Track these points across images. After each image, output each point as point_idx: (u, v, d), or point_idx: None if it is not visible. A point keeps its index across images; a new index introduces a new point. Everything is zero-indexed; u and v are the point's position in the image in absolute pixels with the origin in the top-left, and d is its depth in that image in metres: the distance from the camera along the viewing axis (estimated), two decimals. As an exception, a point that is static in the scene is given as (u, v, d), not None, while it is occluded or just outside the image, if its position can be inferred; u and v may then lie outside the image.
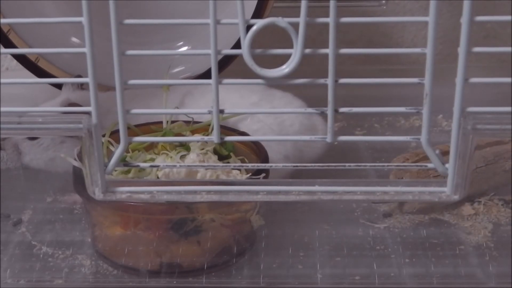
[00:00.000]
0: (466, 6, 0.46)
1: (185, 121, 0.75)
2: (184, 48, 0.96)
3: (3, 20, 0.51)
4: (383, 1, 1.04)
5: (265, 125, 0.78)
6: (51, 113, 0.55)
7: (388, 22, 0.55)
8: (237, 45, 0.78)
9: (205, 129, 0.74)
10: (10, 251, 0.71)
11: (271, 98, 0.81)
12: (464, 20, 0.46)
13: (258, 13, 0.81)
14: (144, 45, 0.94)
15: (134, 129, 0.72)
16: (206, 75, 0.87)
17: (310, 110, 0.51)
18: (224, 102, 0.56)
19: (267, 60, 0.48)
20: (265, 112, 0.79)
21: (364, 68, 1.11)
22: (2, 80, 0.58)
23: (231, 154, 0.72)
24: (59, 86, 0.86)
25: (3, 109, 0.52)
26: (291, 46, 0.48)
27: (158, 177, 0.67)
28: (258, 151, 0.72)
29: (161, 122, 0.75)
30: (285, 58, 0.49)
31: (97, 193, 0.54)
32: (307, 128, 0.80)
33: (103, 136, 0.67)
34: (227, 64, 0.81)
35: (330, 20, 0.47)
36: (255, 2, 0.81)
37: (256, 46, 0.48)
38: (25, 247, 0.71)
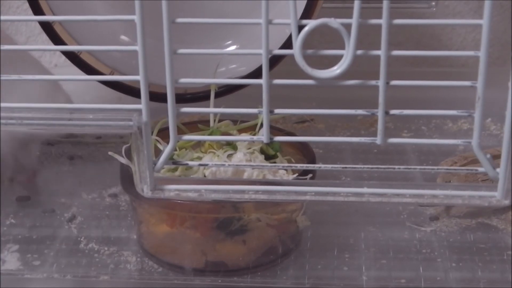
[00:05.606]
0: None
1: (232, 120, 0.75)
2: (233, 47, 0.96)
3: (57, 17, 0.52)
4: (433, 3, 1.03)
5: None
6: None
7: (441, 24, 0.55)
8: (285, 45, 0.78)
9: (251, 128, 0.74)
10: (57, 246, 0.71)
11: None
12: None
13: (307, 14, 0.81)
14: (190, 44, 0.94)
15: (182, 128, 0.72)
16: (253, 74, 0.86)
17: (360, 111, 0.51)
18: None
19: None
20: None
21: (411, 70, 1.10)
22: (54, 77, 0.59)
23: (278, 154, 0.72)
24: (105, 82, 0.87)
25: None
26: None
27: (204, 176, 0.67)
28: (305, 151, 0.72)
29: (204, 121, 0.75)
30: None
31: (146, 191, 0.54)
32: None
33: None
34: (275, 64, 0.81)
35: (383, 21, 0.47)
36: (305, 2, 0.80)
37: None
38: (72, 243, 0.72)
